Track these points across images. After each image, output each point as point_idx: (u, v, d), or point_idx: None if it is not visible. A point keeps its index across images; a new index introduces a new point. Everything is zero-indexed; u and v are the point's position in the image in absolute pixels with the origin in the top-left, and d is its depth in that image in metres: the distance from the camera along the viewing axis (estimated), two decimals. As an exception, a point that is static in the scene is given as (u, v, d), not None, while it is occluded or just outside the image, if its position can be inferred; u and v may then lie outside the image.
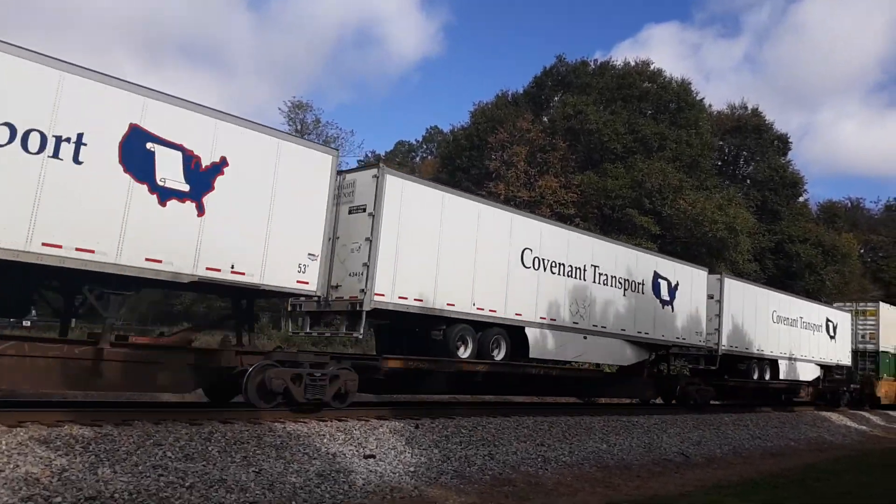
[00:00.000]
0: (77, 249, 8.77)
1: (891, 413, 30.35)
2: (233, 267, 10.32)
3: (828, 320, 28.54)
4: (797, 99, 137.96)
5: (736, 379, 23.21)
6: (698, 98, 47.23)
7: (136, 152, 9.35)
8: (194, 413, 10.12)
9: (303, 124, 40.61)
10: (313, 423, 10.49)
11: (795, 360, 25.63)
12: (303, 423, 10.39)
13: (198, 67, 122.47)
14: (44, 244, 8.49)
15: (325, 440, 9.85)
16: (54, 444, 7.66)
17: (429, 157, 69.33)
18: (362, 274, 12.23)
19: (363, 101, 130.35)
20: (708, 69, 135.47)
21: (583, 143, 40.63)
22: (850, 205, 65.96)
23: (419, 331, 13.95)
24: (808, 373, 26.82)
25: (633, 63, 47.03)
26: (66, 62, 8.87)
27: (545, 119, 44.85)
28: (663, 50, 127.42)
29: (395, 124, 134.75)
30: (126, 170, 9.26)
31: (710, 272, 22.50)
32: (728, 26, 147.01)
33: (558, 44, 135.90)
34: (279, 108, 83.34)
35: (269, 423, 10.09)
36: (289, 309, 14.59)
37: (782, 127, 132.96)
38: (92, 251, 8.90)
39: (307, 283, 11.31)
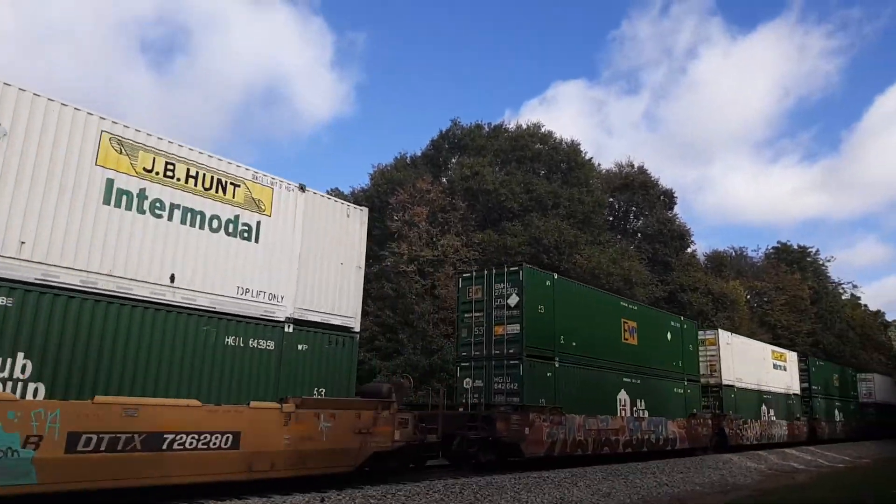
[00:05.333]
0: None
1: (786, 451, 31.62)
2: None
3: None
4: (693, 154, 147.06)
5: None
6: (587, 158, 49.40)
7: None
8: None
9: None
10: (211, 502, 9.83)
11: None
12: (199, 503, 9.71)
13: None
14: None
15: (222, 521, 9.22)
16: None
17: (329, 221, 68.79)
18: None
19: (272, 161, 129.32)
20: (611, 125, 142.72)
21: (481, 202, 41.46)
22: (734, 254, 69.83)
23: None
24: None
25: (524, 126, 48.81)
26: None
27: (444, 180, 45.58)
28: (569, 107, 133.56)
29: (309, 182, 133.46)
30: None
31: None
32: (631, 83, 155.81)
33: (469, 101, 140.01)
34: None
35: (161, 507, 9.37)
36: None
37: (680, 181, 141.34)
38: None
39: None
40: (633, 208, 52.79)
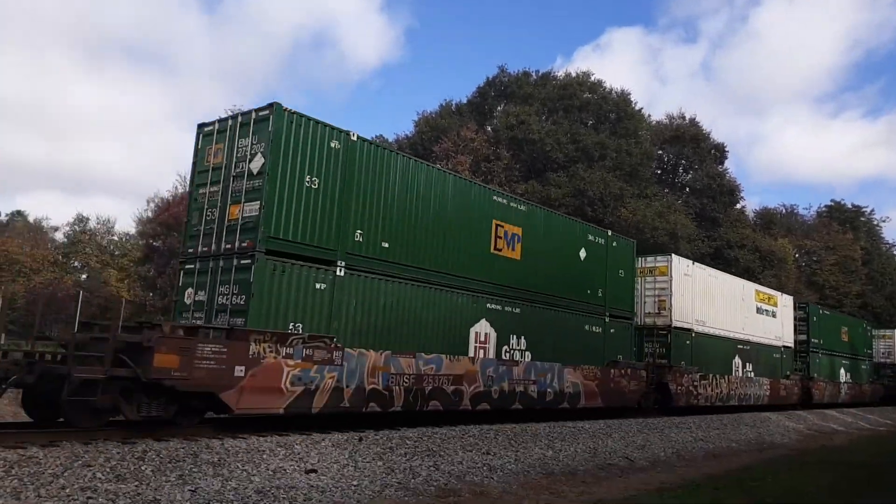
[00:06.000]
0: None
1: (826, 412, 31.32)
2: None
3: None
4: (749, 107, 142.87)
5: None
6: (637, 108, 48.37)
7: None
8: (127, 432, 9.75)
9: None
10: (253, 439, 10.22)
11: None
12: (242, 440, 10.11)
13: (144, 69, 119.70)
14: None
15: (264, 456, 9.60)
16: (-28, 468, 7.22)
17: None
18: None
19: (320, 107, 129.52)
20: (665, 74, 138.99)
21: (526, 152, 41.08)
22: (784, 211, 68.23)
23: None
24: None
25: (573, 74, 47.88)
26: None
27: (489, 129, 45.20)
28: (623, 55, 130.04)
29: (355, 129, 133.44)
30: None
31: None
32: (688, 31, 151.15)
33: (520, 47, 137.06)
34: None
35: (207, 439, 9.79)
36: None
37: (733, 134, 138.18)
38: None
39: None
40: (683, 161, 51.70)
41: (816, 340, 34.33)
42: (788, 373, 31.21)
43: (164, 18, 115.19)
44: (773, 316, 30.44)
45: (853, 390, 38.46)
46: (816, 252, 59.41)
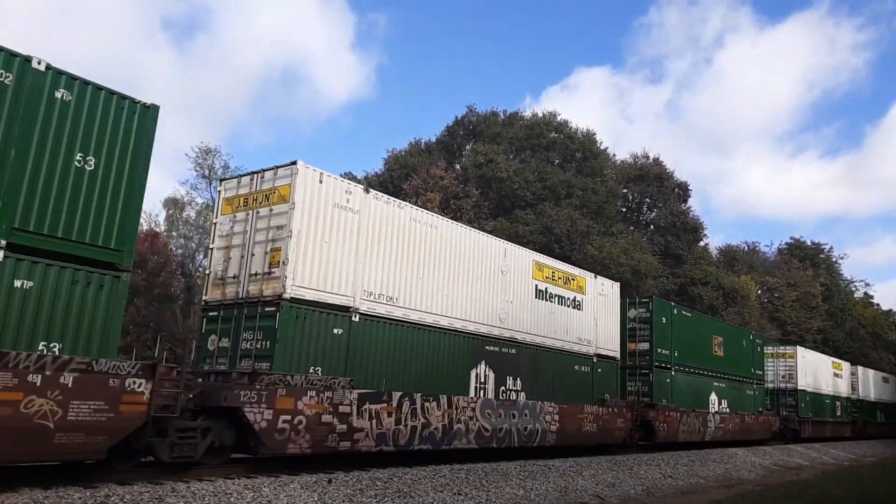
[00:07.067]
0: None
1: (790, 447, 31.63)
2: None
3: None
4: (713, 146, 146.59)
5: None
6: (602, 148, 49.35)
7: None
8: (90, 475, 9.49)
9: (211, 170, 39.50)
10: (220, 482, 10.01)
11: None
12: (209, 482, 9.90)
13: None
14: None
15: (232, 499, 9.40)
16: (-74, 517, 6.93)
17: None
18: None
19: (290, 143, 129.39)
20: (632, 114, 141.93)
21: (494, 190, 41.52)
22: (747, 248, 69.64)
23: None
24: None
25: (540, 114, 48.81)
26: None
27: (458, 167, 45.67)
28: (591, 94, 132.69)
29: (324, 167, 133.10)
30: None
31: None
32: (655, 71, 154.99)
33: (490, 86, 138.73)
34: (186, 154, 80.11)
35: (172, 482, 9.57)
36: None
37: (698, 172, 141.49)
38: None
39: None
40: (647, 200, 52.70)
41: (667, 352, 24.51)
42: (607, 396, 21.01)
43: (128, 52, 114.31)
44: (578, 307, 20.34)
45: (730, 423, 28.13)
46: (778, 288, 60.58)
